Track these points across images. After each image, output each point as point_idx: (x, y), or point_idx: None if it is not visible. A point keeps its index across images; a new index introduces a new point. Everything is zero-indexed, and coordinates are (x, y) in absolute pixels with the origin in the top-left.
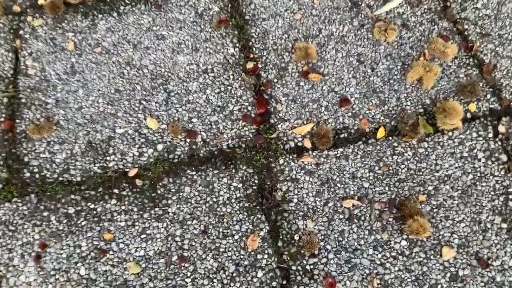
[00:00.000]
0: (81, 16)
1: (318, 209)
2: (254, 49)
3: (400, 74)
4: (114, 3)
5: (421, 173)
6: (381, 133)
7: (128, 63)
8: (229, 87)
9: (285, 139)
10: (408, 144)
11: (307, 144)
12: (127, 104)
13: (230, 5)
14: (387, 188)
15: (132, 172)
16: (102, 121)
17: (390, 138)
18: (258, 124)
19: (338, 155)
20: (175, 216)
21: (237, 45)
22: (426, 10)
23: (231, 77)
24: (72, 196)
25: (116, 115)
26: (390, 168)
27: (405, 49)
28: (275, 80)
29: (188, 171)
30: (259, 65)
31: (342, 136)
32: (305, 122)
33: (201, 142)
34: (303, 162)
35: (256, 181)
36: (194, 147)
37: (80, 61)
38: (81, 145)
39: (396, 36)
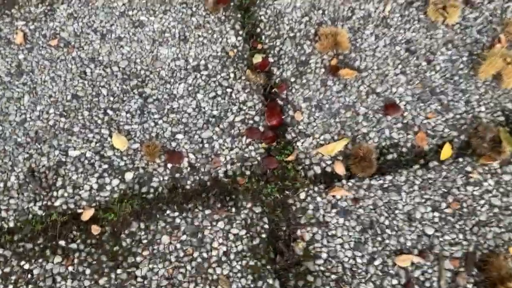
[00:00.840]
0: (36, 0)
1: (360, 270)
2: (263, 37)
3: (468, 68)
4: None
5: (510, 212)
6: (446, 152)
7: (92, 59)
8: (228, 90)
9: (307, 162)
10: (487, 168)
11: (340, 169)
12: (87, 115)
13: None
14: (461, 236)
15: (86, 214)
16: (51, 140)
17: (460, 159)
18: (269, 141)
19: (386, 185)
20: (145, 283)
21: (241, 32)
22: None
23: (232, 75)
24: (0, 251)
25: (70, 130)
26: (464, 204)
27: (471, 34)
28: (293, 79)
29: (168, 212)
30: (270, 59)
31: (389, 157)
32: (335, 138)
33: (188, 169)
34: (334, 196)
35: (266, 226)
36: (177, 175)
37: (29, 57)
38: (19, 174)
39: (458, 16)
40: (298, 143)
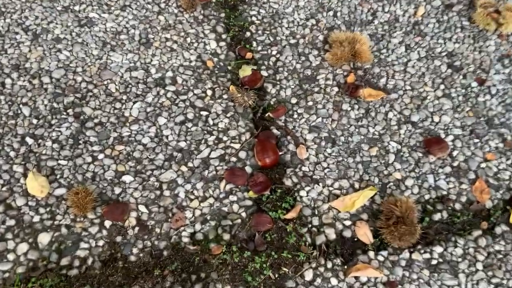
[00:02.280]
0: None
1: None
2: (254, 44)
3: None
4: None
5: None
6: None
7: (16, 67)
8: (203, 113)
9: (315, 223)
10: None
11: (365, 235)
12: None
13: None
14: None
15: None
16: None
17: None
18: (260, 189)
19: (434, 261)
20: None
21: (224, 36)
22: None
23: (210, 93)
24: None
25: None
26: None
27: None
28: (294, 101)
29: None
30: (264, 73)
31: (437, 217)
32: (356, 186)
33: (135, 229)
34: (357, 278)
35: None
36: (118, 239)
37: None
38: None
39: None
40: (302, 193)
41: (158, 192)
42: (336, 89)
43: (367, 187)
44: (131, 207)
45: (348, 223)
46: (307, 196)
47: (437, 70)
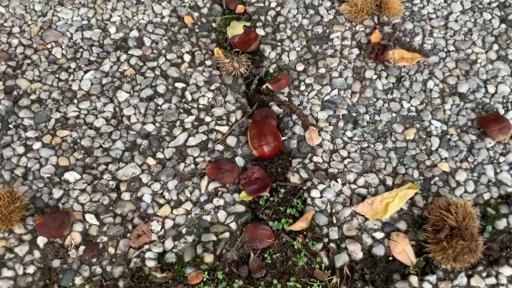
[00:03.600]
0: None
1: None
2: None
3: None
4: None
5: None
6: None
7: None
8: (179, 85)
9: (333, 235)
10: None
11: (402, 253)
12: None
13: None
14: None
15: None
16: None
17: None
18: (257, 189)
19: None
20: None
21: None
22: None
23: (188, 58)
24: None
25: None
26: None
27: None
28: (300, 67)
29: None
30: (260, 31)
31: (501, 226)
32: (388, 183)
33: (80, 251)
34: None
35: None
36: (55, 263)
37: None
38: None
39: None
40: (314, 193)
41: (113, 195)
42: (356, 51)
43: (403, 183)
44: (75, 217)
45: (379, 235)
46: (321, 197)
47: (488, 25)
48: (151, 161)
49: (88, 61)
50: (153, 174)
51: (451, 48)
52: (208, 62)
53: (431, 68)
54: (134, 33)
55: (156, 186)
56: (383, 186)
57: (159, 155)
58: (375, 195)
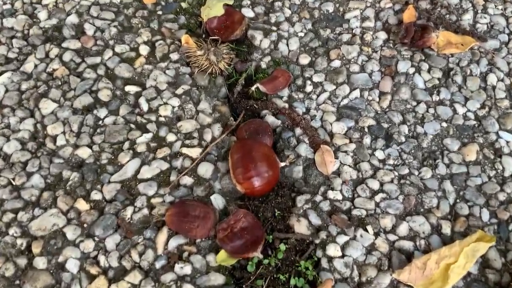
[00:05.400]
0: None
1: None
2: None
3: None
4: None
5: None
6: None
7: None
8: (131, 90)
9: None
10: None
11: None
12: None
13: None
14: None
15: None
16: None
17: None
18: (242, 247)
19: None
20: None
21: None
22: None
23: (146, 51)
24: None
25: None
26: None
27: None
28: (305, 60)
29: None
30: (246, 11)
31: None
32: (445, 230)
33: None
34: None
35: None
36: None
37: None
38: None
39: None
40: (331, 249)
41: (22, 262)
42: (382, 35)
43: (469, 231)
44: None
45: None
46: (342, 256)
47: None
48: (82, 205)
49: (5, 59)
50: (85, 225)
51: None
52: (174, 56)
53: (491, 57)
54: (72, 18)
55: (88, 245)
56: (437, 237)
57: (95, 195)
58: (426, 252)
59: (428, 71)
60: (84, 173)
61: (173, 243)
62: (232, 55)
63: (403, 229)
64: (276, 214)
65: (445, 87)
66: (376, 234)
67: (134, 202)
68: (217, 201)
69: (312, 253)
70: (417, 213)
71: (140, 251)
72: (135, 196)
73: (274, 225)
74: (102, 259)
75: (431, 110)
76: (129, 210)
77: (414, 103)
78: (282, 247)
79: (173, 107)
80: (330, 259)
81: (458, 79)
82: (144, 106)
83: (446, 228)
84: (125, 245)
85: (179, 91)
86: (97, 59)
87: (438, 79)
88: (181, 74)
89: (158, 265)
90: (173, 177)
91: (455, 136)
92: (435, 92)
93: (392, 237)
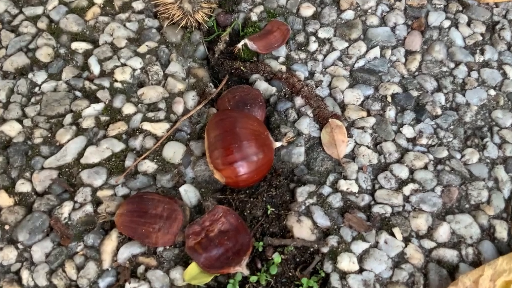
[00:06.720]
0: None
1: None
2: None
3: None
4: None
5: None
6: None
7: None
8: (79, 48)
9: None
10: None
11: None
12: None
13: None
14: None
15: None
16: None
17: None
18: (218, 260)
19: None
20: None
21: None
22: None
23: None
24: None
25: None
26: None
27: None
28: (310, 12)
29: None
30: None
31: None
32: (500, 235)
33: None
34: None
35: None
36: None
37: None
38: None
39: None
40: (344, 262)
41: None
42: None
43: None
44: None
45: None
46: (360, 271)
47: None
48: (4, 199)
49: None
50: (6, 227)
51: None
52: (138, 5)
53: None
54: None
55: (8, 255)
56: (490, 243)
57: (22, 186)
58: (477, 265)
59: (468, 25)
60: (10, 156)
61: (125, 253)
62: (213, 3)
63: (442, 232)
64: (269, 212)
65: (491, 44)
66: (407, 240)
67: (74, 195)
68: (189, 194)
69: (318, 266)
70: (461, 211)
71: (79, 264)
72: (76, 188)
73: (266, 228)
74: (25, 274)
75: (474, 74)
76: (67, 207)
77: (452, 65)
78: (277, 258)
79: (134, 69)
80: (343, 275)
81: (507, 34)
82: (95, 69)
83: (502, 231)
84: (58, 256)
85: (143, 49)
86: (39, 10)
87: (481, 34)
88: (146, 28)
89: (102, 284)
90: (129, 162)
91: (507, 107)
92: (478, 51)
93: (428, 243)
